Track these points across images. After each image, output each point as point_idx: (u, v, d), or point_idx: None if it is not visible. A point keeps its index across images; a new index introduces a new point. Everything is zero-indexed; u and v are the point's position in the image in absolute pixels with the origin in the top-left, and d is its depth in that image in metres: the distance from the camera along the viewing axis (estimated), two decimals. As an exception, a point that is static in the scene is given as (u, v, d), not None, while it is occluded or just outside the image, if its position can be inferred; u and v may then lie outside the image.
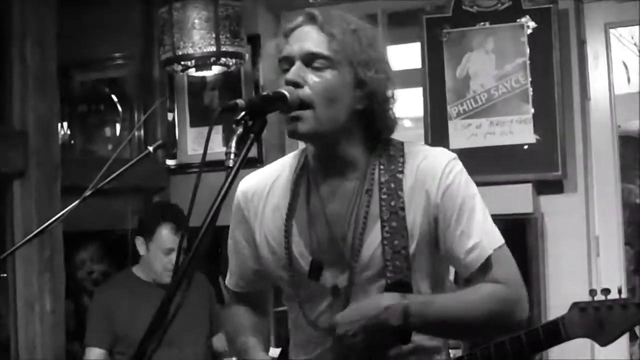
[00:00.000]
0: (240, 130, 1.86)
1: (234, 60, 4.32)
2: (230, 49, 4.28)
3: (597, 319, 1.83)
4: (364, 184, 2.19)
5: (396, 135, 2.29)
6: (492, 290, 2.11)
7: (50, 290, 4.01)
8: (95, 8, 5.14)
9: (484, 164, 4.18)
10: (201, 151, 1.83)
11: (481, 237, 2.13)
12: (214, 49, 4.24)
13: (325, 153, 2.21)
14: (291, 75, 2.12)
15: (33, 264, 3.97)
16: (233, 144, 1.83)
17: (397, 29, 5.07)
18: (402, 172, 2.18)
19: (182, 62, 4.29)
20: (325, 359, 2.18)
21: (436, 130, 4.47)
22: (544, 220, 4.37)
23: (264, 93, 2.03)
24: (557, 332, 1.91)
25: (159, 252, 4.09)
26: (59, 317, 4.07)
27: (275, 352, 2.49)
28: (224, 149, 1.82)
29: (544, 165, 4.31)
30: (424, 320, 2.08)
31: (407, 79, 4.75)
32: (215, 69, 4.45)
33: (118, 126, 5.45)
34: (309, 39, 2.16)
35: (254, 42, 4.78)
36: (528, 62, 4.35)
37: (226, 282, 2.51)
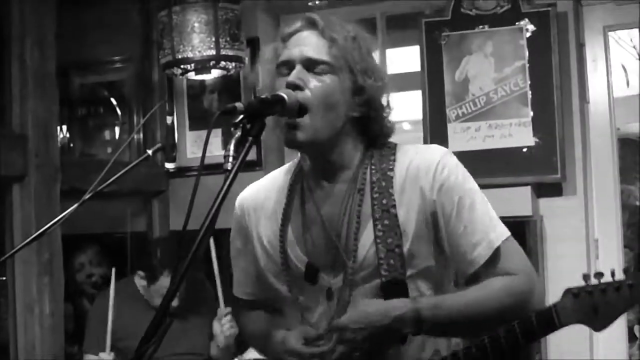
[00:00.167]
0: (238, 133, 1.87)
1: (233, 64, 4.32)
2: (230, 52, 4.28)
3: (591, 304, 1.78)
4: (356, 184, 2.19)
5: (395, 139, 2.29)
6: (503, 283, 2.08)
7: (49, 293, 4.01)
8: (94, 11, 5.15)
9: (483, 166, 4.18)
10: (200, 154, 1.84)
11: (486, 230, 2.12)
12: (214, 53, 4.23)
13: (320, 159, 2.22)
14: (293, 77, 2.12)
15: (32, 267, 3.96)
16: (231, 146, 1.83)
17: (396, 32, 5.08)
18: (392, 170, 2.18)
19: (182, 66, 4.29)
20: None
21: (435, 133, 4.47)
22: (543, 223, 4.37)
23: (263, 96, 2.03)
24: (551, 320, 1.86)
25: (158, 295, 4.10)
26: (58, 320, 4.06)
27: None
28: (223, 152, 1.83)
29: (543, 168, 4.31)
30: (436, 324, 2.06)
31: (406, 82, 4.76)
32: (215, 73, 4.45)
33: (117, 129, 5.45)
34: (310, 43, 2.17)
35: (253, 45, 4.79)
36: (527, 65, 4.35)
37: (234, 291, 2.52)
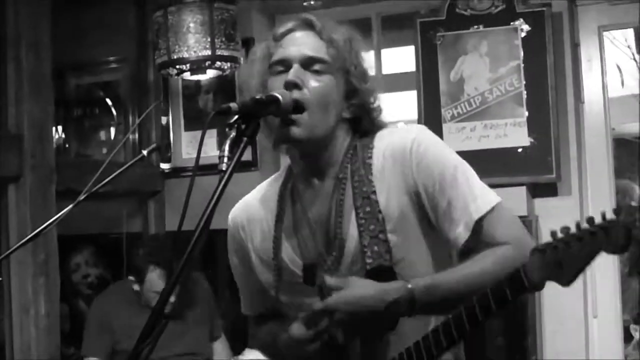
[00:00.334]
0: (233, 133, 1.87)
1: (228, 64, 4.32)
2: (225, 52, 4.28)
3: (556, 259, 1.72)
4: (340, 177, 2.19)
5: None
6: (495, 255, 2.04)
7: (45, 294, 4.00)
8: (90, 11, 5.15)
9: (478, 166, 4.15)
10: (196, 154, 1.84)
11: (467, 202, 2.08)
12: (209, 53, 4.23)
13: (311, 158, 2.21)
14: (292, 76, 2.12)
15: (28, 268, 3.96)
16: (226, 147, 1.84)
17: (392, 32, 5.08)
18: (370, 157, 2.17)
19: (177, 66, 4.28)
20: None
21: (430, 134, 4.46)
22: (538, 223, 4.38)
23: (257, 96, 2.02)
24: (519, 281, 1.82)
25: (151, 293, 4.10)
26: (53, 321, 4.06)
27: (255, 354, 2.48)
28: (218, 153, 1.83)
29: (538, 168, 4.31)
30: (430, 305, 2.02)
31: (402, 82, 4.77)
32: (210, 73, 4.45)
33: (113, 130, 5.45)
34: (307, 43, 2.17)
35: (249, 45, 4.78)
36: (522, 65, 4.36)
37: (242, 309, 2.51)
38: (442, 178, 2.10)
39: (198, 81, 5.00)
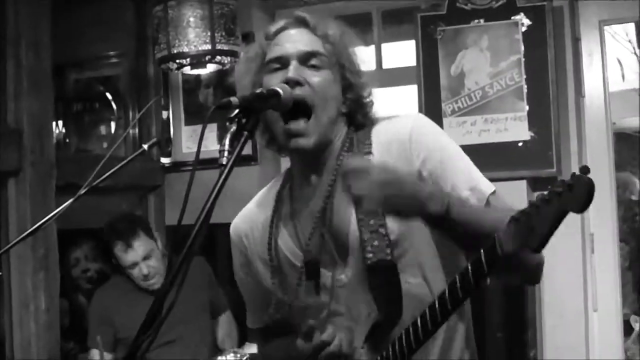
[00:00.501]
0: (233, 127, 1.87)
1: (228, 59, 4.32)
2: (225, 47, 4.28)
3: (528, 224, 1.71)
4: (337, 172, 2.17)
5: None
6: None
7: (44, 289, 4.00)
8: (90, 6, 5.14)
9: (479, 161, 4.14)
10: (196, 149, 1.84)
11: (472, 185, 2.10)
12: (209, 47, 4.23)
13: (310, 158, 2.21)
14: (293, 73, 2.12)
15: (27, 263, 3.96)
16: (227, 141, 1.83)
17: (392, 27, 5.08)
18: (369, 152, 2.17)
19: (177, 60, 4.28)
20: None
21: (431, 128, 4.46)
22: (538, 217, 4.37)
23: (258, 91, 2.03)
24: (493, 250, 1.79)
25: (127, 270, 4.21)
26: (53, 316, 4.06)
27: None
28: (218, 147, 1.83)
29: (539, 162, 4.31)
30: (456, 220, 1.94)
31: (402, 76, 4.76)
32: (210, 67, 4.45)
33: (113, 124, 5.45)
34: (302, 39, 2.19)
35: (249, 40, 4.77)
36: (523, 59, 4.35)
37: (249, 324, 2.51)
38: (443, 164, 2.11)
39: (198, 75, 5.00)
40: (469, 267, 1.82)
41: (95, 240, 4.95)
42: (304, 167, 2.24)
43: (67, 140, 5.52)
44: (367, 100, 2.24)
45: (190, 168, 5.04)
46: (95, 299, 4.35)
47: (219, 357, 4.10)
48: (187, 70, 4.44)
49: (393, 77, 4.79)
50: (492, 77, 4.40)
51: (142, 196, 5.16)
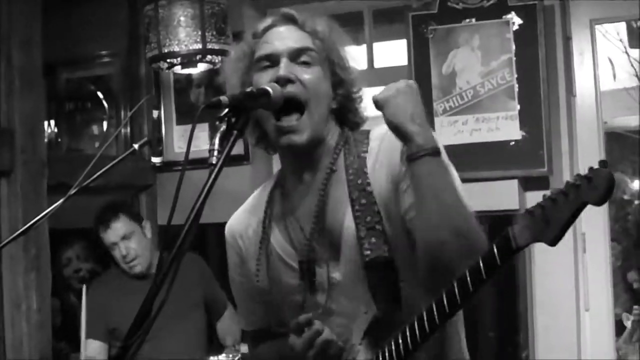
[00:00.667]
0: (223, 127, 1.87)
1: (219, 58, 4.31)
2: (216, 46, 4.28)
3: (544, 218, 1.69)
4: (332, 170, 2.18)
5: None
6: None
7: (36, 289, 3.99)
8: (81, 6, 5.14)
9: (470, 160, 4.18)
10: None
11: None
12: (200, 47, 4.23)
13: (303, 156, 2.21)
14: (284, 71, 2.12)
15: (19, 262, 3.95)
16: (216, 141, 1.83)
17: (383, 26, 5.08)
18: (366, 151, 2.17)
19: (168, 60, 4.28)
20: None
21: (422, 127, 4.46)
22: (530, 217, 4.37)
23: (248, 89, 2.03)
24: (508, 243, 1.78)
25: (111, 253, 4.34)
26: (45, 316, 4.05)
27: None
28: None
29: (530, 161, 4.31)
30: (435, 170, 1.97)
31: (393, 75, 4.74)
32: (201, 67, 4.44)
33: (105, 124, 5.45)
34: (291, 36, 2.19)
35: (240, 39, 4.76)
36: (514, 58, 4.35)
37: (243, 326, 2.51)
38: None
39: (189, 75, 5.00)
40: (481, 261, 1.80)
41: (87, 240, 4.95)
42: (297, 165, 2.24)
43: (59, 140, 5.52)
44: (356, 95, 2.25)
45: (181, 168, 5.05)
46: (89, 294, 4.33)
47: (211, 358, 4.10)
48: (178, 69, 4.43)
49: (384, 76, 4.78)
50: (484, 76, 4.40)
51: (134, 195, 5.17)
